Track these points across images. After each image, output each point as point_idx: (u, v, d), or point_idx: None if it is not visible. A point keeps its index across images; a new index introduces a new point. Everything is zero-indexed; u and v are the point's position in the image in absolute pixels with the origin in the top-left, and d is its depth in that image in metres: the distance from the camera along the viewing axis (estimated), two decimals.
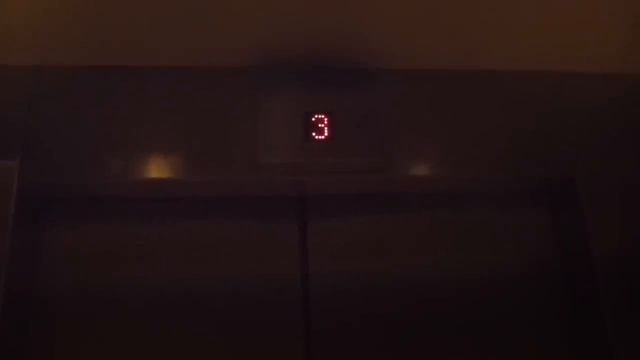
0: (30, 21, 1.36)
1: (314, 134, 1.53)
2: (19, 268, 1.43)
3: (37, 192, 1.51)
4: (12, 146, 1.44)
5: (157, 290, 1.52)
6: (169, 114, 1.54)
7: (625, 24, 1.51)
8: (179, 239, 1.57)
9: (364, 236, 1.64)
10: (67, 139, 1.47)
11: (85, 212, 1.56)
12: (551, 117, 1.66)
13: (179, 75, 1.56)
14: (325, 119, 1.54)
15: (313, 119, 1.53)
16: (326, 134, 1.53)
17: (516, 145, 1.62)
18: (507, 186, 1.71)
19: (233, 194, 1.61)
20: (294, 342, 1.52)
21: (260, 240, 1.61)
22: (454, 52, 1.59)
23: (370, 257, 1.63)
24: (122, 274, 1.53)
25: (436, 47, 1.57)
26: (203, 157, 1.51)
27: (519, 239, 1.69)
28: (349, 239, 1.63)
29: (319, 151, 1.52)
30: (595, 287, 1.53)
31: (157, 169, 1.50)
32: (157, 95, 1.55)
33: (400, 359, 1.54)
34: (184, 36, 1.46)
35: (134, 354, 1.46)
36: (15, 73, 1.49)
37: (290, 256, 1.61)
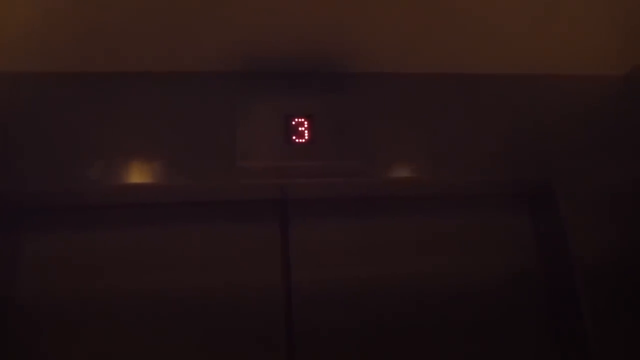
0: (9, 29, 1.36)
1: (294, 137, 1.53)
2: None
3: (16, 200, 1.51)
4: None
5: (138, 296, 1.52)
6: (149, 119, 1.53)
7: (603, 28, 1.53)
8: (160, 245, 1.58)
9: (345, 239, 1.65)
10: (46, 146, 1.47)
11: (64, 219, 1.56)
12: (529, 121, 1.68)
13: (158, 80, 1.57)
14: (306, 123, 1.54)
15: (293, 123, 1.54)
16: (307, 137, 1.54)
17: (496, 150, 1.64)
18: (486, 189, 1.73)
19: (214, 198, 1.62)
20: (276, 345, 1.53)
21: (241, 243, 1.61)
22: (434, 56, 1.60)
23: (352, 260, 1.64)
24: (101, 280, 1.52)
25: (417, 52, 1.58)
26: (183, 161, 1.51)
27: (498, 242, 1.71)
28: (330, 242, 1.64)
29: (299, 155, 1.53)
30: (574, 289, 1.56)
31: (137, 174, 1.50)
32: (137, 101, 1.55)
33: None
34: (164, 42, 1.46)
35: None
36: None
37: (272, 259, 1.61)
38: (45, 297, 1.48)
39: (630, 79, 1.74)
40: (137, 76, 1.56)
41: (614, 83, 1.75)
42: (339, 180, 1.58)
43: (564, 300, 1.62)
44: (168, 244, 1.58)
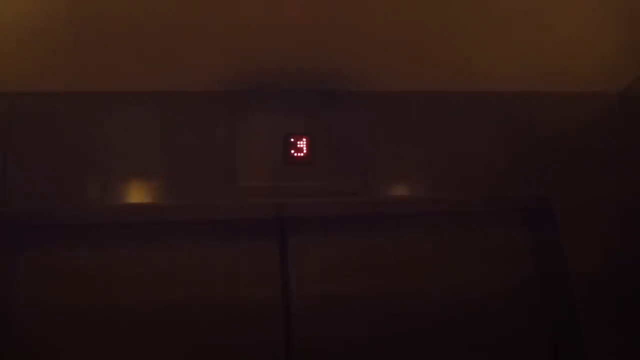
0: (8, 48, 1.36)
1: (293, 156, 1.53)
2: None
3: (16, 218, 1.50)
4: None
5: (137, 314, 1.52)
6: (148, 138, 1.53)
7: (600, 45, 1.54)
8: (158, 263, 1.58)
9: (344, 257, 1.66)
10: (46, 164, 1.47)
11: (64, 237, 1.56)
12: (528, 137, 1.69)
13: (157, 100, 1.56)
14: (304, 142, 1.54)
15: (292, 142, 1.54)
16: (305, 156, 1.54)
17: (493, 166, 1.65)
18: (485, 206, 1.74)
19: (213, 217, 1.62)
20: None
21: (241, 262, 1.61)
22: (431, 74, 1.61)
23: (351, 277, 1.64)
24: (100, 298, 1.52)
25: (414, 70, 1.58)
26: (182, 181, 1.51)
27: (497, 258, 1.72)
28: (329, 261, 1.65)
29: (298, 173, 1.53)
30: (572, 304, 1.56)
31: (136, 194, 1.50)
32: (136, 120, 1.54)
33: None
34: (163, 61, 1.46)
35: None
36: None
37: (271, 278, 1.62)
38: (44, 314, 1.48)
39: (627, 95, 1.75)
40: (136, 95, 1.56)
41: (612, 99, 1.76)
42: (338, 199, 1.58)
43: (562, 315, 1.62)
44: (166, 261, 1.58)
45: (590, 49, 1.55)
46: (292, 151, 1.53)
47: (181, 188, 1.51)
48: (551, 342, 1.66)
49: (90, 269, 1.54)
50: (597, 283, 1.55)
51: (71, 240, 1.56)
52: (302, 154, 1.54)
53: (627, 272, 1.57)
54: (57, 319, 1.48)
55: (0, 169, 1.44)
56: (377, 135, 1.62)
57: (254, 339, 1.54)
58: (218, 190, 1.51)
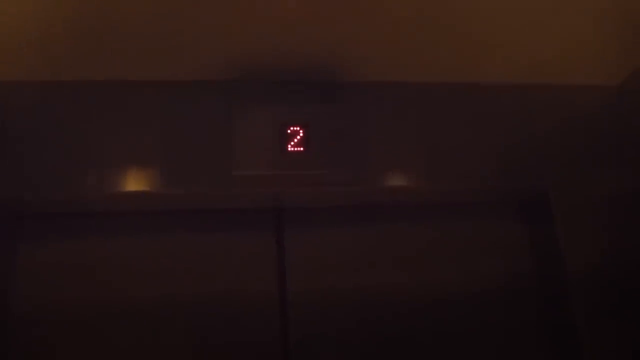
0: (5, 38, 1.36)
1: (289, 146, 1.53)
2: None
3: (12, 208, 1.51)
4: None
5: (133, 303, 1.52)
6: (145, 127, 1.54)
7: (598, 38, 1.54)
8: (155, 253, 1.58)
9: (341, 247, 1.66)
10: (42, 154, 1.47)
11: (61, 226, 1.56)
12: (525, 131, 1.69)
13: (154, 89, 1.57)
14: (301, 131, 1.54)
15: (288, 132, 1.54)
16: (302, 146, 1.53)
17: (491, 159, 1.64)
18: (482, 198, 1.73)
19: (209, 207, 1.62)
20: (271, 353, 1.53)
21: (237, 252, 1.61)
22: (430, 65, 1.61)
23: (347, 268, 1.64)
24: (97, 288, 1.53)
25: (411, 61, 1.58)
26: (179, 170, 1.52)
27: (494, 250, 1.71)
28: (326, 250, 1.65)
29: (294, 163, 1.53)
30: (569, 298, 1.56)
31: (132, 183, 1.50)
32: (132, 109, 1.55)
33: None
34: (160, 51, 1.46)
35: None
36: None
37: (267, 267, 1.61)
38: (42, 304, 1.49)
39: (624, 88, 1.74)
40: (132, 84, 1.56)
41: (609, 92, 1.75)
42: (334, 189, 1.58)
43: (559, 309, 1.62)
44: (163, 251, 1.58)
45: (588, 42, 1.55)
46: (289, 141, 1.53)
47: (177, 177, 1.51)
48: (547, 334, 1.65)
49: (85, 257, 1.54)
50: (594, 277, 1.55)
51: (67, 229, 1.56)
52: (298, 144, 1.53)
53: (624, 266, 1.57)
54: (55, 307, 1.49)
55: (0, 157, 1.45)
56: (374, 126, 1.62)
57: (249, 329, 1.54)
58: (214, 180, 1.52)
